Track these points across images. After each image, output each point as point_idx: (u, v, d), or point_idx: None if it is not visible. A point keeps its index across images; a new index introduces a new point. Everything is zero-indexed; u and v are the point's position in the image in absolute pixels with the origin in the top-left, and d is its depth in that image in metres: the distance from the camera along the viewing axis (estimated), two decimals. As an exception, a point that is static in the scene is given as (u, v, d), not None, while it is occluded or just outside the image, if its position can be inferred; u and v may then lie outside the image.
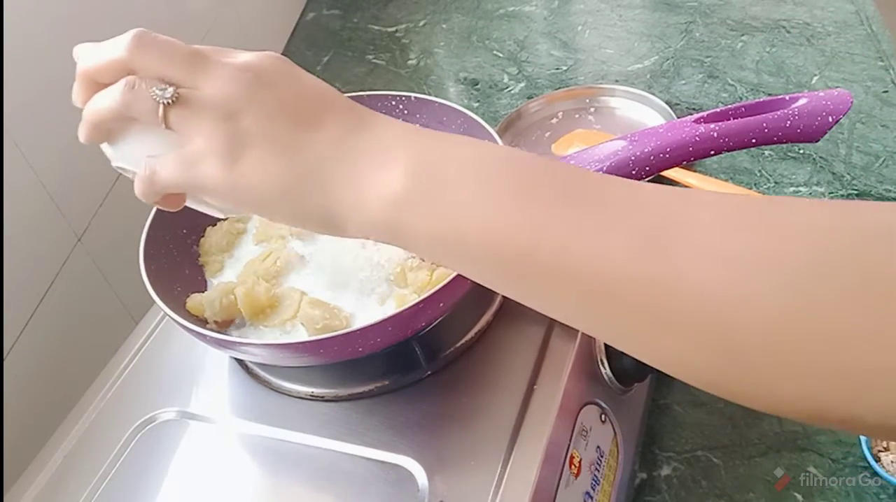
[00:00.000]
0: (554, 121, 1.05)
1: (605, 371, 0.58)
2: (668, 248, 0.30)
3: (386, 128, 0.37)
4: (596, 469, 0.55)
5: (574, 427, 0.53)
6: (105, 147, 0.42)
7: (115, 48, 0.38)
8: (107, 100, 0.39)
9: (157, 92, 0.37)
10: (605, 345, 0.58)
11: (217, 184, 0.37)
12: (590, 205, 0.32)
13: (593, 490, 0.54)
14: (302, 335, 0.55)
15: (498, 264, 0.34)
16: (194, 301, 0.58)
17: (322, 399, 0.56)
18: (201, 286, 0.61)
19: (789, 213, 0.31)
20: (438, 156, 0.35)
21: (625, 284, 0.31)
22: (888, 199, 0.85)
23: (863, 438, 0.64)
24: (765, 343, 0.29)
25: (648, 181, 0.38)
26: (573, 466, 0.52)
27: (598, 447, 0.56)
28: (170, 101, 0.37)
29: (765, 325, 0.29)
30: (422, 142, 0.36)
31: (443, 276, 0.53)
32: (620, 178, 0.34)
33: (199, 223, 0.64)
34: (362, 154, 0.36)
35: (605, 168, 0.53)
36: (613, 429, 0.58)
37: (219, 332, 0.56)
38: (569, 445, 0.52)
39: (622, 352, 0.58)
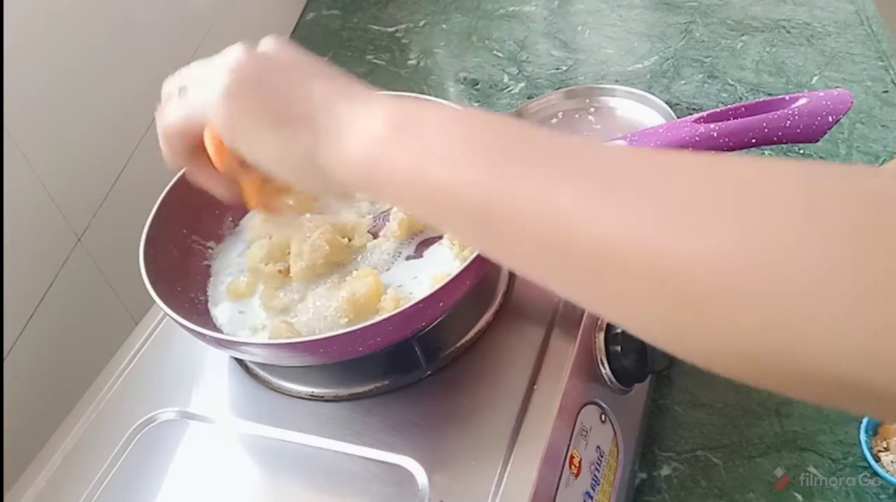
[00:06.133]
0: (554, 121, 1.05)
1: (605, 371, 0.58)
2: (624, 201, 0.30)
3: (371, 90, 0.41)
4: (596, 469, 0.55)
5: (574, 427, 0.53)
6: None
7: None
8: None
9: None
10: (605, 345, 0.58)
11: (214, 110, 0.42)
12: (551, 163, 0.33)
13: (593, 490, 0.54)
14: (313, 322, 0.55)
15: (460, 215, 0.35)
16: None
17: (322, 399, 0.56)
18: (201, 286, 0.61)
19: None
20: (416, 108, 0.38)
21: (575, 238, 0.31)
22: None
23: (863, 438, 0.64)
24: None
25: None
26: (573, 466, 0.52)
27: (598, 447, 0.56)
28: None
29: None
30: (404, 100, 0.39)
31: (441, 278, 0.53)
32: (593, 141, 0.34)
33: (199, 223, 0.64)
34: (349, 104, 0.39)
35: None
36: (613, 429, 0.58)
37: (219, 332, 0.56)
38: (569, 445, 0.52)
39: (622, 353, 0.58)
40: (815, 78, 1.02)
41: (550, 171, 0.32)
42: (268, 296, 0.59)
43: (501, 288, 0.60)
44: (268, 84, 0.41)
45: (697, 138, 0.52)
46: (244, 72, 0.41)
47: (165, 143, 0.46)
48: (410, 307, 0.49)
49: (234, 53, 0.42)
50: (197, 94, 0.43)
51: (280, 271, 0.60)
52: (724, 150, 0.53)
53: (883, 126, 0.93)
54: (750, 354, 0.28)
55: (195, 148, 0.45)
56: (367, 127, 0.38)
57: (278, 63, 0.42)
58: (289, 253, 0.60)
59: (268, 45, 0.44)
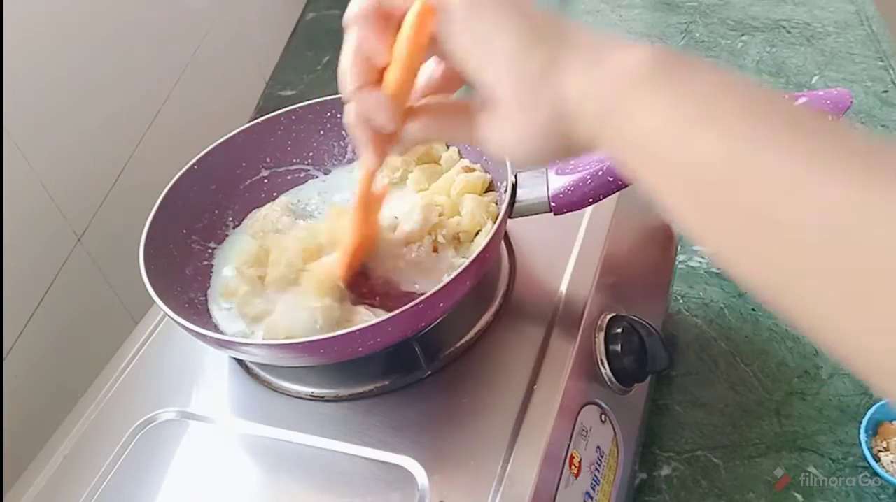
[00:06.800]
0: (554, 121, 1.05)
1: (605, 371, 0.58)
2: None
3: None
4: (596, 469, 0.55)
5: (574, 427, 0.53)
6: None
7: None
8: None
9: None
10: (605, 345, 0.58)
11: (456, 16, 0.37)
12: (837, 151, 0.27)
13: (593, 490, 0.54)
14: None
15: (711, 187, 0.29)
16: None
17: (322, 399, 0.56)
18: (201, 286, 0.61)
19: None
20: (684, 59, 0.32)
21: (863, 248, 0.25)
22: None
23: (863, 438, 0.64)
24: None
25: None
26: (573, 466, 0.52)
27: (598, 447, 0.56)
28: None
29: None
30: (668, 51, 0.33)
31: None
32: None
33: (199, 223, 0.64)
34: (606, 38, 0.35)
35: (604, 168, 0.53)
36: (613, 429, 0.58)
37: (218, 333, 0.56)
38: (569, 445, 0.52)
39: (622, 352, 0.58)
40: (815, 78, 1.02)
41: (846, 168, 0.26)
42: (244, 301, 0.58)
43: (501, 288, 0.60)
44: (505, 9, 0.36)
45: (697, 138, 0.52)
46: None
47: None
48: (410, 307, 0.49)
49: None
50: None
51: (259, 276, 0.59)
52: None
53: (883, 126, 0.93)
54: None
55: (384, 17, 0.41)
56: (626, 58, 0.32)
57: None
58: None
59: None
